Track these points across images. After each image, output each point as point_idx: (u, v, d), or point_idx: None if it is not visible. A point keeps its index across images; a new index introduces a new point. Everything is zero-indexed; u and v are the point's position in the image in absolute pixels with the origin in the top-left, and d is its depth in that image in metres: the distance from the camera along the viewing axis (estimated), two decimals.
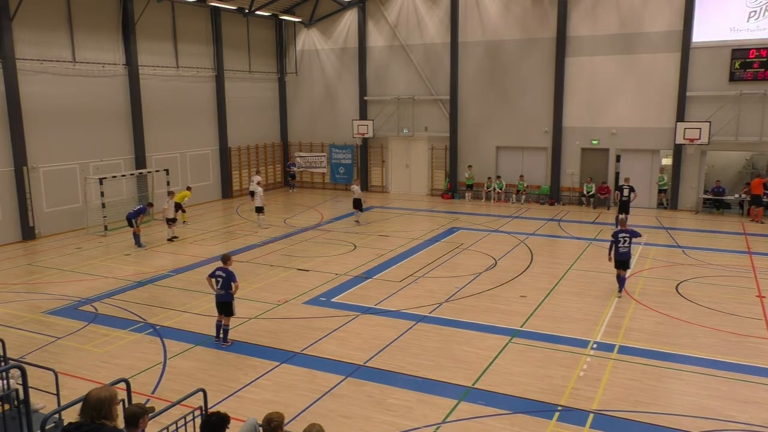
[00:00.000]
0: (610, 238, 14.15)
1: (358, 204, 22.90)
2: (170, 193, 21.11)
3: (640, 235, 14.34)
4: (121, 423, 4.99)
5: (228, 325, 11.65)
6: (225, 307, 11.50)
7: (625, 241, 13.80)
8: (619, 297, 13.91)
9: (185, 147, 26.93)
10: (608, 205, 25.62)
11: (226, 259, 11.72)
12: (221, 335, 11.63)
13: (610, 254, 14.16)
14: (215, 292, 11.53)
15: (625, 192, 20.99)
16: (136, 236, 19.60)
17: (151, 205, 21.30)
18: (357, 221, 22.88)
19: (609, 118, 25.70)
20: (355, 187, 23.26)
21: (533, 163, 27.50)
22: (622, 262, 13.94)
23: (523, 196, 27.17)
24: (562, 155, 26.70)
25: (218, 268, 11.57)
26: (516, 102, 27.30)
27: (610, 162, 26.11)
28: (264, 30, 31.37)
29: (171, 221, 20.57)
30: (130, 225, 19.56)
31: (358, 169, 31.35)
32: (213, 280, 11.52)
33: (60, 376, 7.61)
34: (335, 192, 31.31)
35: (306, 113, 32.57)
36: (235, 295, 11.57)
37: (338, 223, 23.29)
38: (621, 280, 14.08)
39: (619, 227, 14.36)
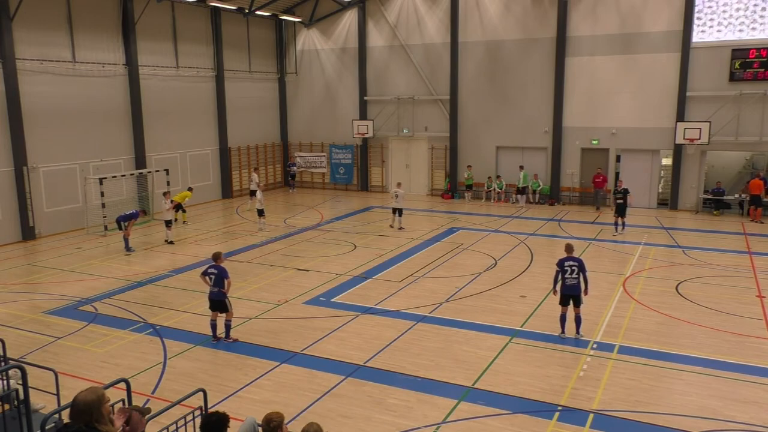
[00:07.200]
0: (556, 268, 11.63)
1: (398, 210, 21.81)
2: (165, 194, 20.47)
3: (585, 271, 11.48)
4: (111, 424, 4.96)
5: (230, 320, 11.71)
6: (219, 305, 11.57)
7: (573, 270, 11.37)
8: (578, 336, 11.59)
9: (185, 147, 26.93)
10: (597, 204, 25.55)
11: (217, 256, 11.87)
12: (218, 335, 11.66)
13: (555, 287, 11.60)
14: (209, 289, 11.59)
15: (619, 196, 20.98)
16: (125, 240, 19.16)
17: (144, 212, 20.30)
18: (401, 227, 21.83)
19: (609, 118, 25.69)
20: (401, 192, 21.81)
21: (533, 163, 27.47)
22: (567, 297, 11.51)
23: (524, 197, 27.08)
24: (562, 155, 26.69)
25: (210, 266, 11.72)
26: (516, 102, 27.28)
27: (610, 162, 26.10)
28: (264, 30, 31.37)
29: (168, 224, 19.89)
30: (119, 228, 19.26)
31: (358, 170, 31.36)
32: (206, 277, 11.63)
33: (60, 376, 7.61)
34: (335, 192, 31.31)
35: (306, 113, 32.56)
36: (228, 293, 11.60)
37: (338, 223, 23.29)
38: (577, 320, 11.59)
39: (566, 254, 11.67)
